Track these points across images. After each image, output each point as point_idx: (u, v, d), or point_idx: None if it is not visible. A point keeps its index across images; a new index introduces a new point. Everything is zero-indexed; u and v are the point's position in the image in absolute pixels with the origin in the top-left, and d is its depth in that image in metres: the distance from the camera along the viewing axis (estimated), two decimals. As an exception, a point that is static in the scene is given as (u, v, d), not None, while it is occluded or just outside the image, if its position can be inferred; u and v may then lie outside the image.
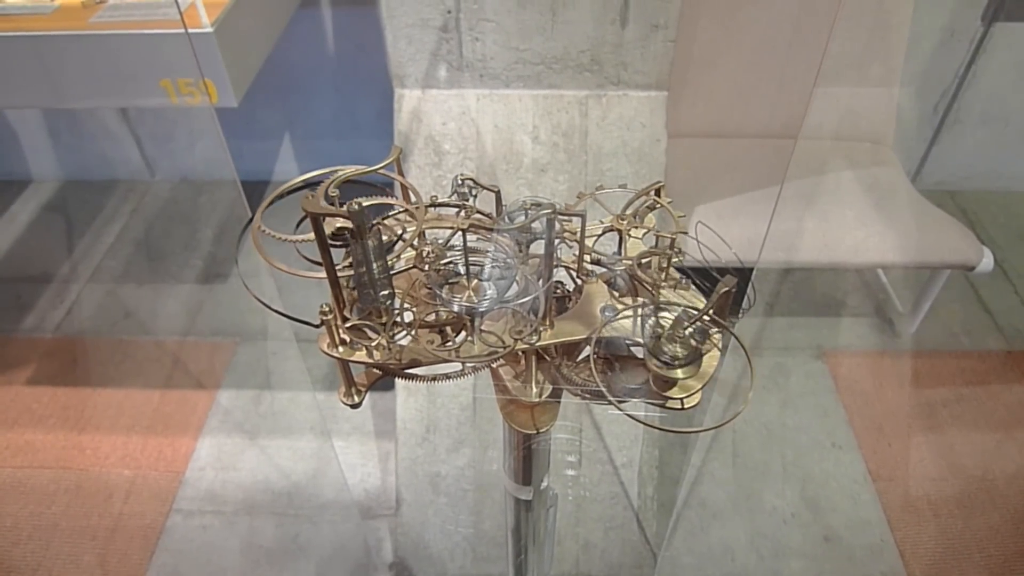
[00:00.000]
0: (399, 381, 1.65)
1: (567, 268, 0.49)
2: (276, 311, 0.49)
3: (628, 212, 0.50)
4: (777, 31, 1.57)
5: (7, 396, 1.98)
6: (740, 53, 1.65)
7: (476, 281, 0.43)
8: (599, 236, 0.52)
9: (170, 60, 1.25)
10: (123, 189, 2.66)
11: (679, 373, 0.43)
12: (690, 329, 0.43)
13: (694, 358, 0.44)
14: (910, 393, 1.91)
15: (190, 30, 1.21)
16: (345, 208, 0.37)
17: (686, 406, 0.47)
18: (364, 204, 0.46)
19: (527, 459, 0.60)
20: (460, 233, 0.45)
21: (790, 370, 1.90)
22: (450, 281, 0.43)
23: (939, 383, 1.91)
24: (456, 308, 0.42)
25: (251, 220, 0.46)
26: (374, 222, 0.48)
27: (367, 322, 0.42)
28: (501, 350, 0.42)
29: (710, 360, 0.46)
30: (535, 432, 0.47)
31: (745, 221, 1.59)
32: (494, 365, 0.49)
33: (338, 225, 0.49)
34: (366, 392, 0.51)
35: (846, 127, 1.60)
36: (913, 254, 1.59)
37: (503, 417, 0.49)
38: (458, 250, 0.45)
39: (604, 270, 0.51)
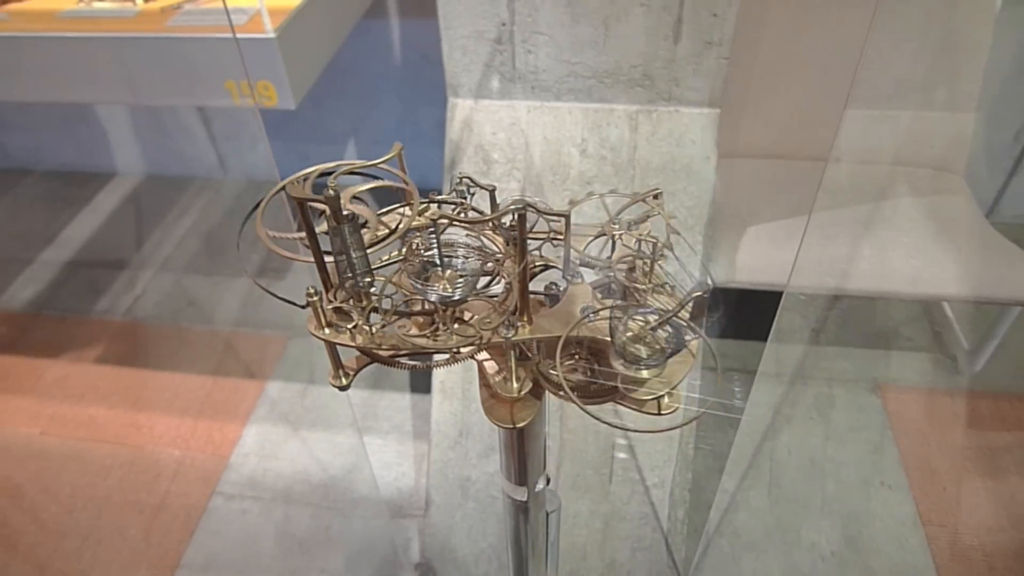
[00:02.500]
0: (435, 384, 1.68)
1: (557, 269, 0.49)
2: (268, 291, 0.52)
3: (623, 217, 0.50)
4: (837, 52, 1.53)
5: (77, 373, 2.11)
6: (798, 73, 1.61)
7: (450, 272, 0.44)
8: (591, 240, 0.52)
9: (235, 63, 1.31)
10: (197, 186, 2.80)
11: (644, 373, 0.43)
12: (658, 331, 0.43)
13: (659, 360, 0.43)
14: (970, 435, 1.81)
15: (254, 35, 1.28)
16: (323, 194, 0.39)
17: (662, 411, 0.46)
18: (358, 191, 0.48)
19: (521, 458, 0.61)
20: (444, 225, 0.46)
21: (840, 402, 1.83)
22: (427, 271, 0.45)
23: (1002, 427, 1.80)
24: (430, 296, 0.43)
25: (255, 208, 0.49)
26: (379, 212, 0.50)
27: (347, 305, 0.44)
28: (477, 341, 0.43)
29: (680, 365, 0.45)
30: (512, 427, 0.48)
31: (796, 245, 1.55)
32: (479, 359, 0.50)
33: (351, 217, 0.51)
34: (354, 375, 0.53)
35: (910, 152, 1.54)
36: (979, 288, 1.52)
37: (484, 411, 0.50)
38: (446, 243, 0.46)
39: (596, 274, 0.51)
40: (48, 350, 2.18)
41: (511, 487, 0.64)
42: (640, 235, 0.47)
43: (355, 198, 0.45)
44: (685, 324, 0.45)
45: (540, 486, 0.66)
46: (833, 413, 1.79)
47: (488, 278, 0.47)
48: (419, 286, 0.44)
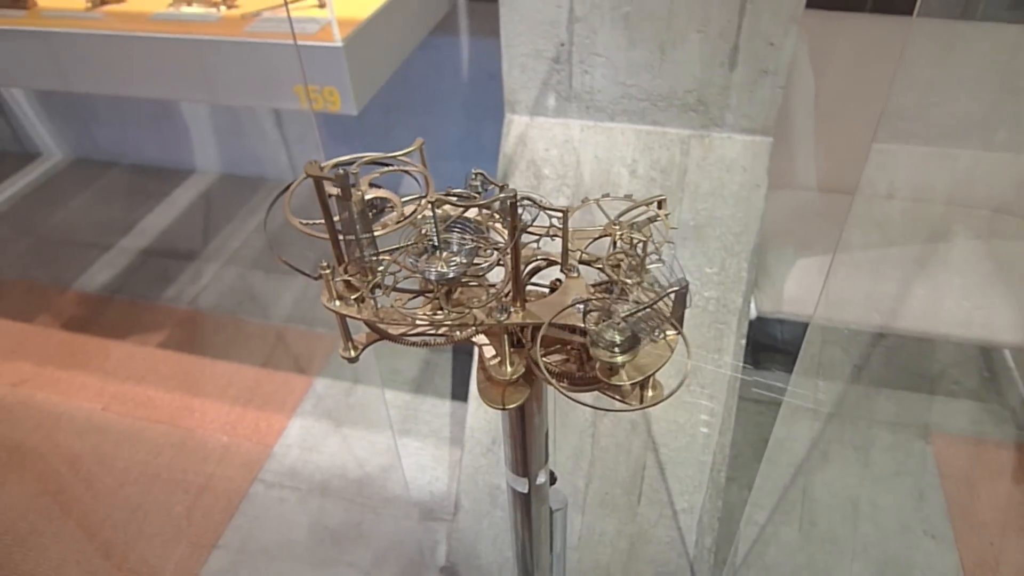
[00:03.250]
0: (472, 390, 1.71)
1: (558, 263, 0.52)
2: (286, 262, 0.56)
3: (625, 220, 0.53)
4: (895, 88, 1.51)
5: (141, 355, 2.24)
6: (855, 106, 1.60)
7: (446, 253, 0.47)
8: (593, 240, 0.54)
9: (304, 69, 1.39)
10: (268, 186, 2.94)
11: (618, 359, 0.45)
12: (629, 318, 0.44)
13: (631, 344, 0.45)
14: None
15: (324, 43, 1.35)
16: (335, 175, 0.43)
17: (645, 402, 0.48)
18: (374, 177, 0.53)
19: (523, 448, 0.63)
20: (458, 213, 0.50)
21: (886, 444, 1.78)
22: (429, 253, 0.48)
23: (1060, 486, 1.71)
24: (428, 275, 0.47)
25: (284, 190, 0.53)
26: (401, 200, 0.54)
27: (355, 280, 0.47)
28: (472, 321, 0.46)
29: (656, 357, 0.47)
30: (502, 407, 0.51)
31: (847, 279, 1.52)
32: (478, 342, 0.53)
33: (367, 198, 0.55)
34: (363, 349, 0.57)
35: (967, 192, 1.50)
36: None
37: (479, 392, 0.52)
38: (452, 228, 0.50)
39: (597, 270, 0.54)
40: (117, 332, 2.32)
41: (513, 478, 0.67)
42: (634, 236, 0.49)
43: (373, 184, 0.49)
44: (665, 318, 0.47)
45: (541, 480, 0.68)
46: (877, 455, 1.73)
47: (487, 264, 0.50)
48: (416, 264, 0.47)
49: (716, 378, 1.54)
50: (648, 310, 0.44)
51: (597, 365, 0.46)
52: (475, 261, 0.48)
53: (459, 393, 2.06)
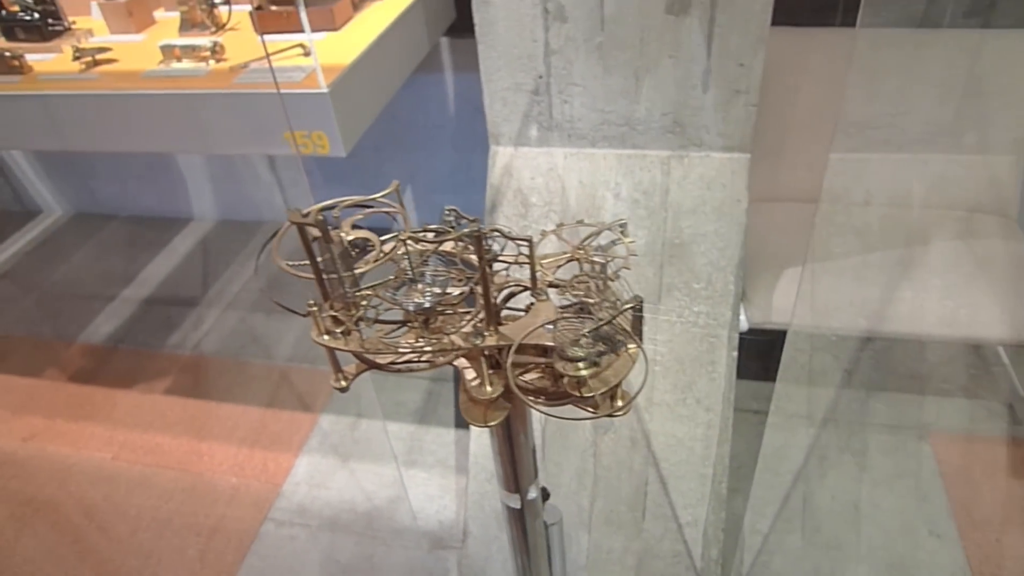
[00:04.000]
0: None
1: (525, 287, 0.56)
2: (279, 303, 0.60)
3: (589, 244, 0.56)
4: (867, 98, 1.56)
5: (146, 403, 2.27)
6: (828, 119, 1.64)
7: (421, 285, 0.51)
8: (562, 264, 0.58)
9: (292, 115, 1.45)
10: (266, 229, 2.99)
11: (583, 372, 0.48)
12: (592, 334, 0.48)
13: (594, 357, 0.49)
14: (1026, 486, 1.74)
15: (309, 90, 1.41)
16: (314, 220, 0.47)
17: (615, 413, 0.51)
18: (356, 225, 0.57)
19: (512, 466, 0.66)
20: (433, 247, 0.53)
21: (889, 448, 1.80)
22: (405, 285, 0.52)
23: (1061, 478, 1.73)
24: (406, 306, 0.51)
25: (272, 237, 0.57)
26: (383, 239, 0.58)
27: (339, 314, 0.51)
28: (449, 346, 0.50)
29: (619, 368, 0.51)
30: (484, 425, 0.54)
31: (831, 287, 1.56)
32: (460, 366, 0.56)
33: (348, 239, 0.59)
34: (353, 379, 0.60)
35: (956, 195, 1.54)
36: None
37: (462, 412, 0.56)
38: (433, 264, 0.54)
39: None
40: (123, 381, 2.35)
41: (506, 495, 0.70)
42: (594, 259, 0.53)
43: (355, 226, 0.53)
44: (626, 332, 0.50)
45: (533, 495, 0.71)
46: (876, 458, 1.75)
47: (460, 292, 0.54)
48: (393, 297, 0.51)
49: (711, 391, 1.57)
50: (609, 325, 0.48)
51: (566, 380, 0.49)
52: (450, 291, 0.52)
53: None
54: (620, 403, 0.51)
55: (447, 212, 0.58)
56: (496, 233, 0.54)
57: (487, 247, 0.55)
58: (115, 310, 2.67)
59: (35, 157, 3.12)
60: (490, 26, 1.53)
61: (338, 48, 1.57)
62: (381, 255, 0.52)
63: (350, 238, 0.53)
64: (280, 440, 2.11)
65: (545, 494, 0.79)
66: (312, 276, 0.51)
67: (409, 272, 0.51)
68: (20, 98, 1.59)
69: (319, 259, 0.50)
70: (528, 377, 0.55)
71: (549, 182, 1.68)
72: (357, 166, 2.70)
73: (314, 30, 1.65)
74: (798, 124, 1.65)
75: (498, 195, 1.71)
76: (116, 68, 1.63)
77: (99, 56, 1.66)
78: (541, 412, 0.51)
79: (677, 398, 1.60)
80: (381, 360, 0.56)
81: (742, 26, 1.42)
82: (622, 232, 0.57)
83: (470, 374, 0.55)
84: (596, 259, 0.52)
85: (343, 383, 0.58)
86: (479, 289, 0.53)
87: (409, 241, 0.52)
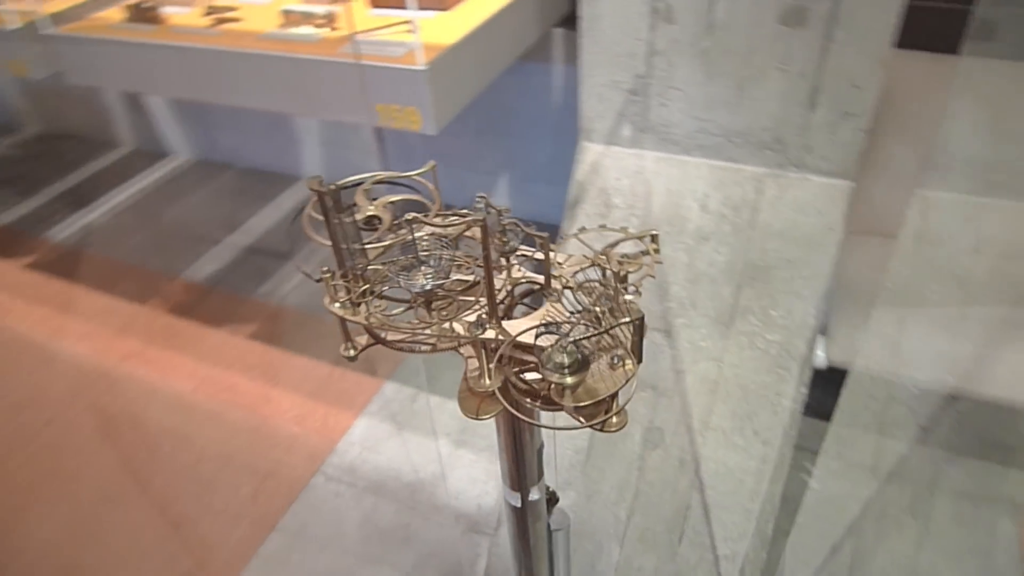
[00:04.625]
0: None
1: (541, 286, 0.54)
2: (303, 271, 0.61)
3: (614, 252, 0.54)
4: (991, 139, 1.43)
5: (230, 344, 2.41)
6: (952, 152, 1.51)
7: (425, 267, 0.51)
8: (583, 268, 0.56)
9: (387, 89, 1.48)
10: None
11: (568, 380, 0.47)
12: (583, 344, 0.46)
13: (578, 367, 0.47)
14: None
15: (408, 66, 1.44)
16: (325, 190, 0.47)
17: (607, 429, 0.49)
18: (391, 201, 0.57)
19: (515, 463, 0.66)
20: (445, 232, 0.53)
21: (962, 519, 1.65)
22: (410, 268, 0.52)
23: None
24: (409, 286, 0.51)
25: (302, 211, 0.59)
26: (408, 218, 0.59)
27: (346, 283, 0.52)
28: (450, 332, 0.50)
29: (612, 383, 0.48)
30: (476, 417, 0.54)
31: (922, 335, 1.44)
32: (464, 354, 0.56)
33: (368, 214, 0.60)
34: (361, 350, 0.61)
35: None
36: None
37: (458, 402, 0.55)
38: (439, 250, 0.53)
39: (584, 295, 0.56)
40: (213, 320, 2.51)
41: (508, 492, 0.69)
42: (614, 267, 0.51)
43: (387, 204, 0.54)
44: (625, 349, 0.48)
45: (535, 496, 0.70)
46: (948, 527, 1.61)
47: (465, 280, 0.53)
48: (396, 277, 0.51)
49: (771, 424, 1.49)
50: (605, 336, 0.46)
51: (551, 386, 0.48)
52: (456, 277, 0.52)
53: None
54: (615, 419, 0.49)
55: (478, 200, 0.57)
56: (515, 226, 0.53)
57: (506, 240, 0.54)
58: (217, 253, 2.84)
59: (170, 104, 3.36)
60: (596, 20, 1.51)
61: (444, 28, 1.59)
62: (390, 232, 0.53)
63: (368, 214, 0.54)
64: (343, 399, 2.19)
65: (553, 498, 0.78)
66: (332, 245, 0.52)
67: (417, 254, 0.51)
68: (151, 47, 1.71)
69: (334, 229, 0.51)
70: (530, 376, 0.54)
71: (635, 185, 1.64)
72: (460, 147, 2.75)
73: (425, 8, 1.68)
74: (912, 156, 1.53)
75: (582, 191, 1.69)
76: (239, 27, 1.72)
77: (227, 15, 1.76)
78: (516, 415, 0.50)
79: (734, 426, 1.53)
80: (390, 337, 0.57)
81: (861, 44, 1.33)
82: (653, 244, 0.54)
83: (473, 364, 0.55)
84: (620, 268, 0.50)
85: (351, 352, 0.59)
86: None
87: (427, 225, 0.52)
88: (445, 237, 0.54)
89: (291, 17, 1.65)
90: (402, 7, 1.69)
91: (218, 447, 2.06)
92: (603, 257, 0.53)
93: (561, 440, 1.66)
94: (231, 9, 1.77)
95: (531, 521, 0.72)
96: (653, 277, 0.52)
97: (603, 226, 0.58)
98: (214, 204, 3.16)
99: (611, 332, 0.48)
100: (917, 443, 1.38)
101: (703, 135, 1.55)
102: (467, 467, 1.96)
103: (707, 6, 1.39)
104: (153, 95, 3.27)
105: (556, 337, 0.48)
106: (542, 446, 0.69)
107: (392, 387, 2.22)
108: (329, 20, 1.62)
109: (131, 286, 2.70)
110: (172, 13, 1.83)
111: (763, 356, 1.53)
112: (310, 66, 1.53)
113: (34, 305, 2.64)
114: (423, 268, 0.51)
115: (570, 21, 2.13)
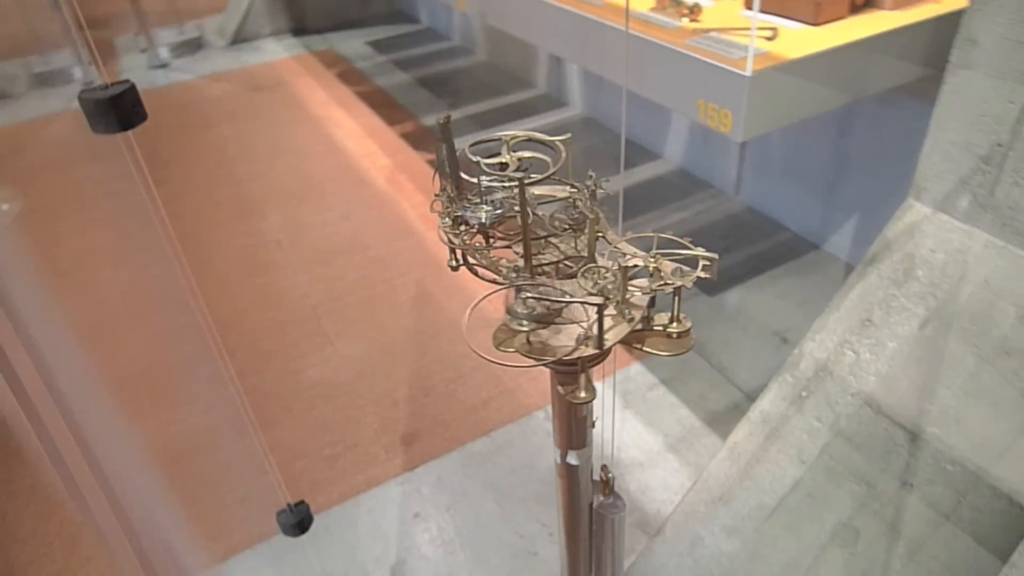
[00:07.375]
0: (729, 442, 1.67)
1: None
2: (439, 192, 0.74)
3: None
4: None
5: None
6: None
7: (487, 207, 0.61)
8: (636, 267, 0.59)
9: (711, 86, 1.51)
10: (712, 190, 3.12)
11: (524, 328, 0.52)
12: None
13: (535, 320, 0.52)
14: None
15: (734, 69, 1.45)
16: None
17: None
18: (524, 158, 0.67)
19: (558, 419, 0.73)
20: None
21: None
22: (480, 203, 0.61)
23: None
24: (470, 217, 0.61)
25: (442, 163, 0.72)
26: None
27: (451, 206, 0.64)
28: (494, 266, 0.59)
29: (564, 347, 0.52)
30: (499, 349, 0.62)
31: None
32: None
33: (498, 160, 0.70)
34: (458, 266, 0.70)
35: None
36: None
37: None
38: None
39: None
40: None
41: (554, 449, 0.76)
42: (656, 266, 0.53)
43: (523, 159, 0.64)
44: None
45: (574, 461, 0.76)
46: None
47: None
48: (465, 206, 0.62)
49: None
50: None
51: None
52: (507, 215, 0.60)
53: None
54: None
55: (590, 176, 0.64)
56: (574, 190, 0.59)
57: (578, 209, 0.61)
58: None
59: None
60: (965, 69, 1.32)
61: (801, 42, 1.55)
62: (493, 166, 0.63)
63: (500, 160, 0.65)
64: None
65: (608, 480, 0.82)
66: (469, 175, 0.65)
67: (483, 191, 0.60)
68: (541, 4, 1.96)
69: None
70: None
71: (949, 264, 1.42)
72: (785, 158, 2.66)
73: (795, 19, 1.64)
74: None
75: (885, 249, 1.51)
76: (617, 1, 1.88)
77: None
78: (488, 359, 0.57)
79: None
80: (475, 260, 0.66)
81: None
82: (709, 266, 0.55)
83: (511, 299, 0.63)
84: (656, 266, 0.53)
85: (454, 262, 0.69)
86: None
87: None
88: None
89: (663, 1, 1.75)
90: (774, 13, 1.67)
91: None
92: (652, 260, 0.56)
93: (752, 473, 1.57)
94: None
95: (571, 486, 0.77)
96: (688, 287, 0.54)
97: (663, 232, 0.60)
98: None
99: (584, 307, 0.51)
100: None
101: (1062, 237, 1.27)
102: (667, 471, 1.97)
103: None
104: (535, 44, 3.69)
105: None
106: (592, 423, 0.75)
107: (637, 368, 2.29)
108: (693, 11, 1.68)
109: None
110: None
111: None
112: (653, 49, 1.62)
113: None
114: (485, 206, 0.60)
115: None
